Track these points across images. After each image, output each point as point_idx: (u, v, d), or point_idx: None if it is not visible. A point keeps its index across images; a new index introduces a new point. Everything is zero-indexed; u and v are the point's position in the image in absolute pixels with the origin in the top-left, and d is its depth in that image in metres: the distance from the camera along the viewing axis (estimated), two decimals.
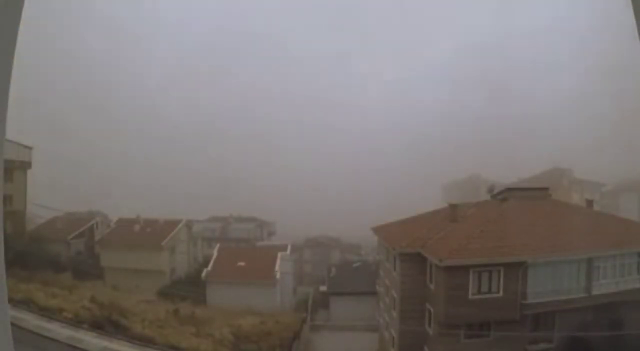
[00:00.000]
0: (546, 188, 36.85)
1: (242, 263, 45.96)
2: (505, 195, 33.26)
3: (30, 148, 46.04)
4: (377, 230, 35.79)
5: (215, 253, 49.56)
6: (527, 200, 32.03)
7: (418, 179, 67.09)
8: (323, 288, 51.82)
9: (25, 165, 45.87)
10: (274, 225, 72.00)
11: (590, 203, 41.77)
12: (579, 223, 29.66)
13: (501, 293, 25.30)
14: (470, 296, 25.07)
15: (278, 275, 45.17)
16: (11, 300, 23.37)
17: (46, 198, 45.38)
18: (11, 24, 2.32)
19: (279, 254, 48.20)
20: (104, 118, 66.82)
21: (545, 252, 25.95)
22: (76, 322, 26.51)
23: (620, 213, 58.05)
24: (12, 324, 2.76)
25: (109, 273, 48.33)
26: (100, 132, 66.10)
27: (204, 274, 45.37)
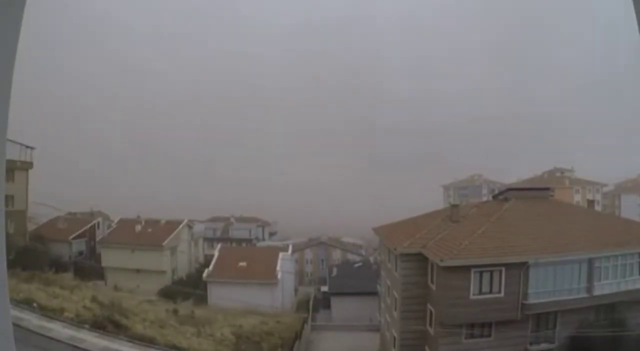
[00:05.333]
0: (547, 188, 36.80)
1: (243, 264, 45.97)
2: (507, 195, 33.22)
3: (32, 148, 46.13)
4: (378, 230, 35.74)
5: (216, 253, 49.61)
6: (529, 200, 31.97)
7: (419, 179, 67.13)
8: (324, 288, 51.87)
9: (27, 166, 45.94)
10: (275, 226, 72.11)
11: (591, 203, 41.75)
12: (580, 224, 29.62)
13: (502, 294, 25.23)
14: (471, 297, 25.01)
15: (279, 275, 45.17)
16: (12, 300, 23.45)
17: (47, 198, 45.51)
18: (13, 24, 2.33)
19: (280, 254, 48.21)
20: (106, 119, 66.93)
21: (547, 252, 25.88)
22: (77, 322, 26.50)
23: (621, 213, 58.07)
24: (14, 324, 2.76)
25: (110, 273, 48.41)
26: (102, 133, 66.24)
27: (205, 274, 45.40)
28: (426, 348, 27.27)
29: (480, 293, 25.13)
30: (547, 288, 25.69)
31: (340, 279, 49.78)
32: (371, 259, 57.71)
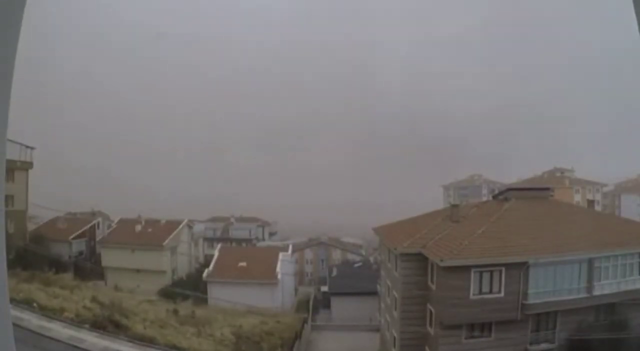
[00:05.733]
0: (547, 188, 36.83)
1: (243, 264, 45.98)
2: (507, 195, 33.23)
3: (32, 148, 46.10)
4: (378, 230, 35.74)
5: (216, 253, 49.60)
6: (529, 200, 31.98)
7: (419, 179, 67.15)
8: (324, 288, 51.85)
9: (27, 166, 45.92)
10: (275, 225, 72.08)
11: (591, 203, 41.80)
12: (580, 224, 29.62)
13: (502, 294, 25.25)
14: (471, 297, 25.03)
15: (279, 275, 45.16)
16: (12, 300, 23.43)
17: (47, 198, 45.46)
18: (13, 24, 2.33)
19: (280, 254, 48.21)
20: (107, 118, 66.93)
21: (547, 252, 25.89)
22: (77, 322, 26.49)
23: (621, 213, 58.07)
24: (14, 324, 2.76)
25: (110, 273, 48.41)
26: (103, 133, 66.23)
27: (205, 274, 45.39)
28: (426, 348, 27.27)
29: (480, 293, 25.14)
30: (547, 288, 25.71)
31: (340, 279, 49.77)
32: (371, 259, 57.70)
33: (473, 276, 25.04)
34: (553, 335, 26.24)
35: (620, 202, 67.40)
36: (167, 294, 42.74)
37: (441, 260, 24.92)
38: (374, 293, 40.00)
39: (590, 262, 26.31)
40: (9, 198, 35.65)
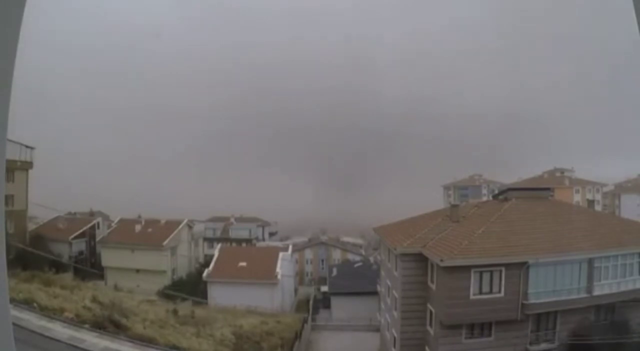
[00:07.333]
0: (547, 189, 36.89)
1: (243, 264, 45.99)
2: (507, 195, 33.24)
3: (32, 148, 46.11)
4: (379, 230, 35.74)
5: (216, 253, 49.62)
6: (529, 200, 31.99)
7: (419, 179, 67.20)
8: (324, 288, 51.86)
9: (27, 166, 45.92)
10: (275, 226, 72.09)
11: (591, 203, 41.84)
12: (580, 224, 29.61)
13: (502, 294, 25.25)
14: (471, 297, 25.02)
15: (279, 275, 45.17)
16: (13, 300, 23.43)
17: (47, 198, 45.45)
18: (13, 24, 2.33)
19: (280, 254, 48.21)
20: (106, 118, 66.98)
21: (547, 252, 25.90)
22: (77, 322, 26.49)
23: (621, 213, 58.10)
24: (14, 324, 2.76)
25: (110, 273, 48.46)
26: (103, 132, 66.27)
27: (205, 274, 45.41)
28: (426, 348, 27.27)
29: (480, 293, 25.13)
30: (547, 288, 25.71)
31: (340, 279, 49.76)
32: (371, 259, 57.68)
33: (473, 276, 25.04)
34: (553, 335, 26.24)
35: (620, 202, 67.43)
36: (167, 294, 42.80)
37: (441, 260, 24.91)
38: (374, 293, 39.99)
39: (590, 262, 26.31)
40: (9, 198, 35.67)
